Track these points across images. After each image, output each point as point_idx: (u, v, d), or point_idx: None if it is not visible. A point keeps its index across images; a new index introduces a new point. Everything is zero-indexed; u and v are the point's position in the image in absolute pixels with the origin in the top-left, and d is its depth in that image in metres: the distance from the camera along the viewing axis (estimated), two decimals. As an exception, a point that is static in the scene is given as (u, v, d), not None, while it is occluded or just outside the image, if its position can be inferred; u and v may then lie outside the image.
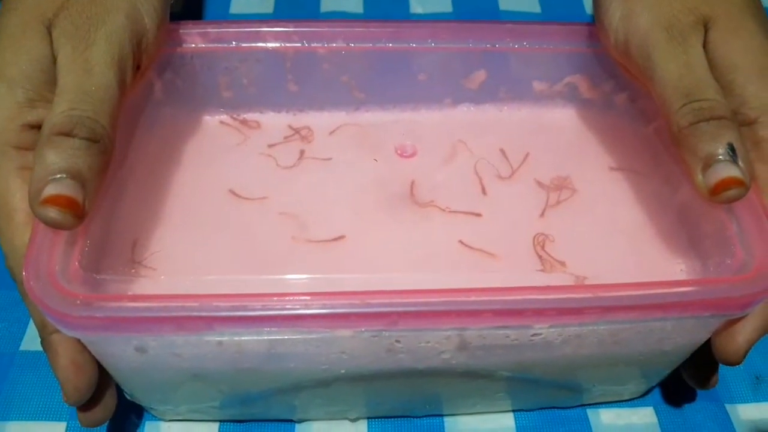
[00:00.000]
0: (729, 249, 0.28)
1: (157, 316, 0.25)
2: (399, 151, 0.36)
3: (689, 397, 0.35)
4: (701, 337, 0.30)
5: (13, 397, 0.34)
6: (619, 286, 0.26)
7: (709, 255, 0.30)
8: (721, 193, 0.27)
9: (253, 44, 0.35)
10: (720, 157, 0.27)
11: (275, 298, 0.25)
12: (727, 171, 0.27)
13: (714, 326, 0.28)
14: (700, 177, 0.28)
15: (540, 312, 0.25)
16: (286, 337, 0.26)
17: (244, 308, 0.25)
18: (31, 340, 0.36)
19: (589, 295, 0.26)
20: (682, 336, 0.29)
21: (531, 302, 0.25)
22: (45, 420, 0.33)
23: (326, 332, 0.26)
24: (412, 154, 0.36)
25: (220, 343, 0.27)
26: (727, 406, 0.35)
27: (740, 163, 0.27)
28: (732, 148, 0.27)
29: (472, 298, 0.25)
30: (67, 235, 0.27)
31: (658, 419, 0.34)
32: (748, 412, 0.35)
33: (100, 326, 0.25)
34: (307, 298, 0.25)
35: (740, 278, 0.27)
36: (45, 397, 0.34)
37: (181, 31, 0.35)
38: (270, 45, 0.35)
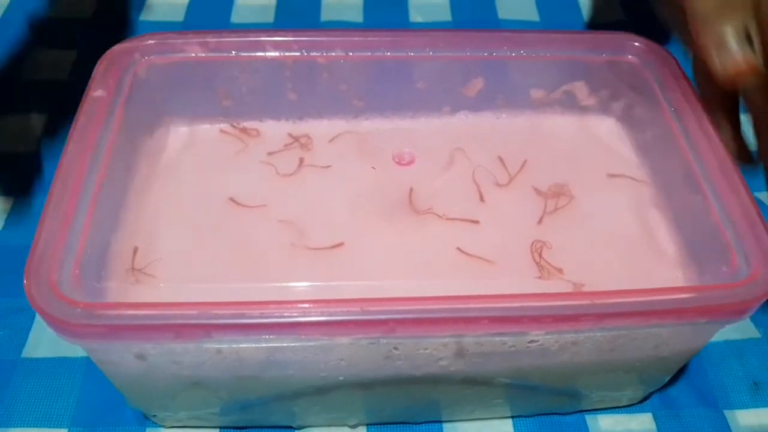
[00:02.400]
0: (725, 256, 0.28)
1: (156, 324, 0.25)
2: (397, 159, 0.36)
3: (688, 403, 0.35)
4: (698, 344, 0.30)
5: (16, 405, 0.34)
6: (615, 293, 0.26)
7: (706, 261, 0.30)
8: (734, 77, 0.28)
9: (253, 54, 0.36)
10: (733, 40, 0.28)
11: (273, 306, 0.25)
12: (742, 53, 0.28)
13: (711, 332, 0.29)
14: (716, 60, 0.28)
15: (537, 319, 0.26)
16: (284, 344, 0.26)
17: (243, 316, 0.25)
18: (33, 347, 0.36)
19: (585, 302, 0.26)
20: (678, 342, 0.29)
21: (528, 309, 0.26)
22: (47, 427, 0.34)
23: (324, 340, 0.26)
24: (410, 162, 0.36)
25: (219, 350, 0.27)
26: (726, 412, 0.35)
27: (755, 48, 0.28)
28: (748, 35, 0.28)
29: (469, 306, 0.26)
30: (67, 242, 0.27)
31: (657, 425, 0.34)
32: (746, 418, 0.35)
33: (100, 334, 0.25)
34: (305, 305, 0.25)
35: (736, 285, 0.27)
36: (47, 404, 0.34)
37: (181, 40, 0.35)
38: (270, 54, 0.36)
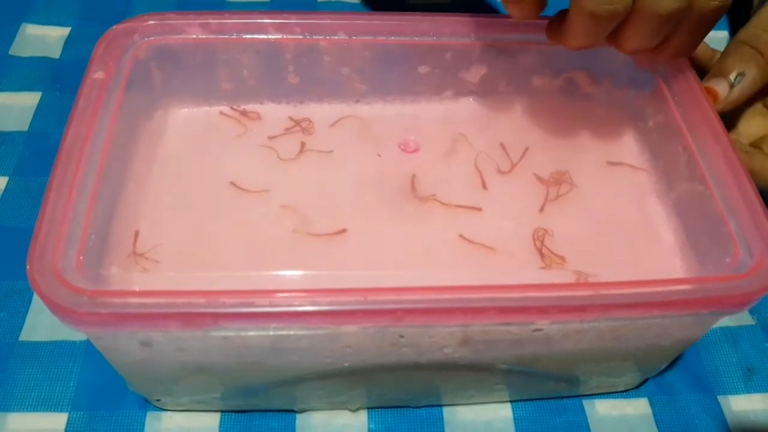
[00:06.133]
0: (727, 246, 0.29)
1: (164, 312, 0.25)
2: (402, 146, 0.36)
3: (683, 388, 0.36)
4: (698, 333, 0.30)
5: (14, 389, 0.34)
6: (620, 284, 0.26)
7: (708, 252, 0.30)
8: None
9: (255, 36, 0.35)
10: None
11: (282, 295, 0.25)
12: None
13: (711, 322, 0.29)
14: None
15: (543, 309, 0.26)
16: (291, 332, 0.26)
17: (251, 305, 0.25)
18: (31, 330, 0.36)
19: (590, 292, 0.26)
20: (679, 332, 0.29)
21: (534, 300, 0.26)
22: (46, 411, 0.33)
23: (332, 328, 0.26)
24: (415, 150, 0.36)
25: (225, 338, 0.27)
26: (720, 398, 0.36)
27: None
28: None
29: (477, 296, 0.26)
30: (70, 229, 0.27)
31: (652, 410, 0.35)
32: (739, 403, 0.36)
33: (106, 322, 0.25)
34: (314, 294, 0.25)
35: (739, 276, 0.27)
36: (46, 387, 0.34)
37: (182, 21, 0.35)
38: (271, 37, 0.35)
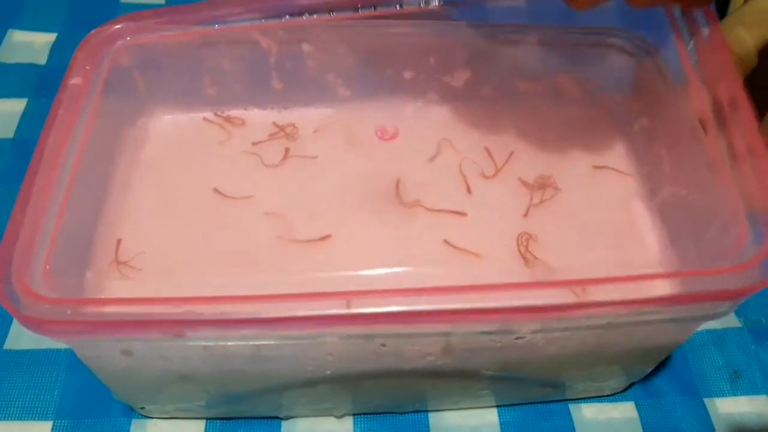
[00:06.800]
0: (709, 252, 0.29)
1: (142, 320, 0.25)
2: (379, 134, 0.36)
3: (669, 392, 0.36)
4: (682, 337, 0.30)
5: (-2, 398, 0.34)
6: (601, 280, 0.26)
7: (690, 257, 0.30)
8: None
9: (238, 41, 0.35)
10: None
11: (261, 302, 0.25)
12: None
13: (694, 327, 0.29)
14: None
15: (525, 314, 0.26)
16: (271, 341, 0.26)
17: (230, 312, 0.25)
18: (15, 339, 0.36)
19: (574, 299, 0.26)
20: (662, 336, 0.29)
21: (516, 305, 0.26)
22: (32, 420, 0.33)
23: (312, 336, 0.26)
24: (393, 136, 0.36)
25: (205, 346, 0.27)
26: (706, 401, 0.35)
27: None
28: None
29: (458, 302, 0.25)
30: (39, 238, 0.26)
31: (639, 414, 0.35)
32: (725, 405, 0.35)
33: (79, 331, 0.25)
34: (293, 301, 0.25)
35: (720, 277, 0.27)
36: (30, 396, 0.34)
37: (164, 26, 0.34)
38: (255, 41, 0.35)
